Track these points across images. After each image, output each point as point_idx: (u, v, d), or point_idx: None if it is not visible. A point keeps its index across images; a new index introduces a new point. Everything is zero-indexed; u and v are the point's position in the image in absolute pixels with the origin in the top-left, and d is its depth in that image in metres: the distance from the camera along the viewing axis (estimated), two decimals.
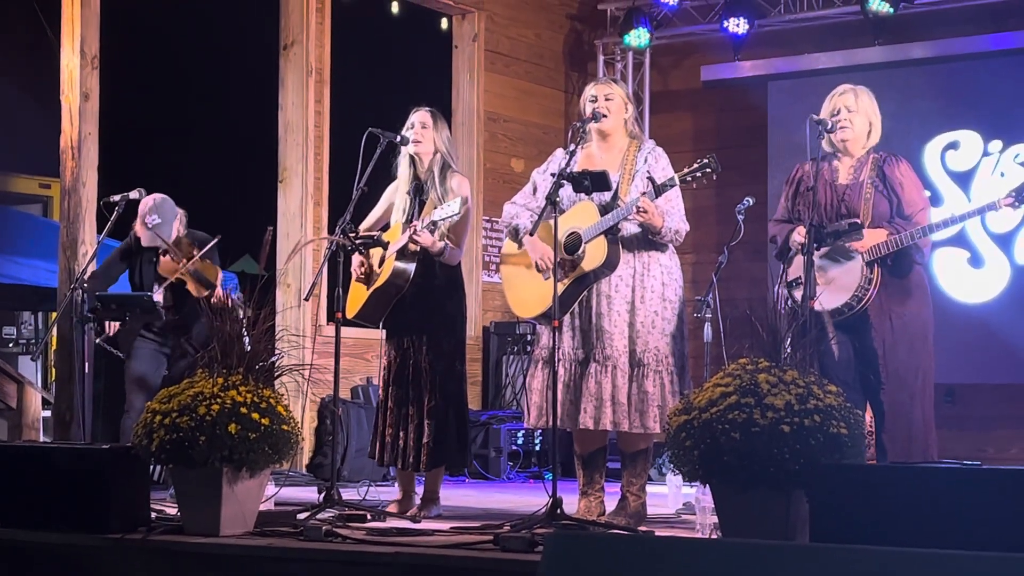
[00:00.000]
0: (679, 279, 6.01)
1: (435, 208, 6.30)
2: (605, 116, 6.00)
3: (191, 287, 7.14)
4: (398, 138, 6.42)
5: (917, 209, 5.84)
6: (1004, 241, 9.51)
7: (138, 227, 7.27)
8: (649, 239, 5.89)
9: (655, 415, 5.79)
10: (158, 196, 7.30)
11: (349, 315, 6.38)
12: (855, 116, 5.89)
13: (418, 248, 6.28)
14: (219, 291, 7.11)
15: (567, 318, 5.91)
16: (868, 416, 6.08)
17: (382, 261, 6.41)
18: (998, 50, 9.56)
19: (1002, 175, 9.55)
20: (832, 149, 5.94)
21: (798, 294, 5.76)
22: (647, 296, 5.88)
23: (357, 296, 6.46)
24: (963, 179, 9.68)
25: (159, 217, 7.21)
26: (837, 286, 5.76)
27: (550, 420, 5.87)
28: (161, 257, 7.28)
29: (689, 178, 5.76)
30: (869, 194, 5.82)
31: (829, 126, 5.84)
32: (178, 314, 7.32)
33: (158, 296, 7.25)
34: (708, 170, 5.72)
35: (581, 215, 5.89)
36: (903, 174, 5.89)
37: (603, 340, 5.86)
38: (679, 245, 6.02)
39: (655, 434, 5.86)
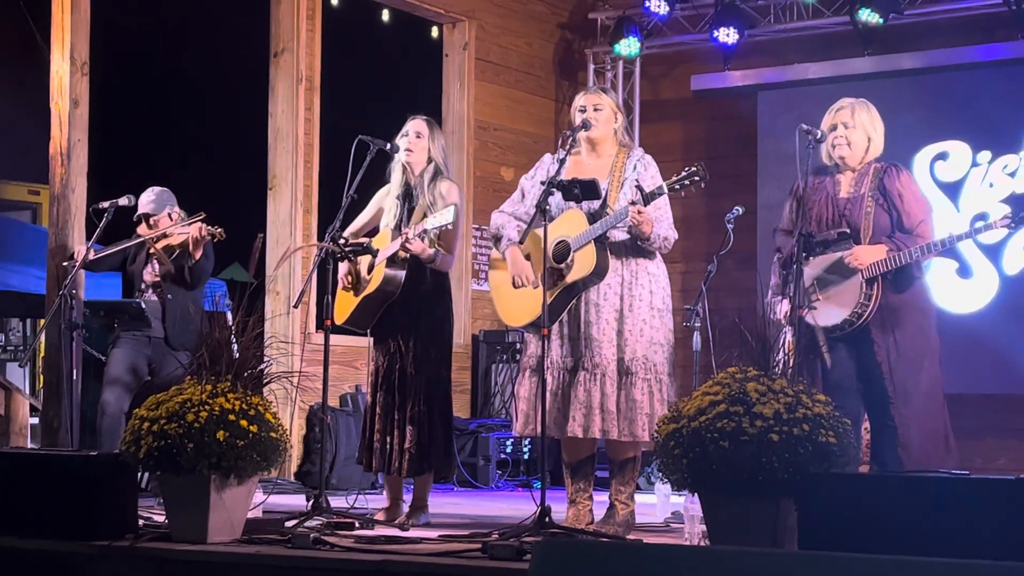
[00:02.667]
0: (667, 287, 6.01)
1: (424, 214, 6.30)
2: (594, 125, 6.00)
3: (176, 242, 7.36)
4: (388, 146, 6.42)
5: (918, 221, 5.83)
6: (992, 252, 9.53)
7: (143, 228, 7.49)
8: (638, 247, 5.90)
9: (643, 423, 5.79)
10: (160, 188, 7.58)
11: (338, 321, 6.37)
12: (852, 132, 5.90)
13: (408, 255, 6.28)
14: (195, 227, 7.29)
15: (555, 326, 5.90)
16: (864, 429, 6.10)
17: (371, 267, 6.40)
18: (987, 61, 9.59)
19: (991, 186, 9.58)
20: (832, 163, 5.96)
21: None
22: (635, 304, 5.89)
23: (345, 303, 6.45)
24: (952, 189, 9.69)
25: (154, 196, 7.49)
26: (837, 302, 5.78)
27: (537, 428, 5.88)
28: (149, 244, 7.44)
29: (677, 186, 5.76)
30: (870, 208, 5.83)
31: (819, 136, 5.85)
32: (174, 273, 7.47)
33: (150, 276, 7.39)
34: (696, 178, 5.72)
35: (569, 223, 5.89)
36: (903, 185, 5.89)
37: (592, 348, 5.86)
38: (667, 253, 6.02)
39: (644, 442, 5.86)
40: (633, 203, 5.75)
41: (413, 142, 6.43)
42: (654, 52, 10.87)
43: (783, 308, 5.86)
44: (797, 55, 10.28)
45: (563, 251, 5.86)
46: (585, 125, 6.00)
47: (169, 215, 7.51)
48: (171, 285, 7.41)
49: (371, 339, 6.55)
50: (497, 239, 6.11)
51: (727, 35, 10.12)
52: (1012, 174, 9.53)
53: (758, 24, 10.31)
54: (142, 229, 7.54)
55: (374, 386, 6.46)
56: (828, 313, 5.76)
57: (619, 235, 5.89)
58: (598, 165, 6.03)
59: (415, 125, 6.48)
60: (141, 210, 7.50)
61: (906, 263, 5.74)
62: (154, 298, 7.43)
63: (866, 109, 5.97)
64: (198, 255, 7.33)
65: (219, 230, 7.31)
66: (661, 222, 5.87)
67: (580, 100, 6.10)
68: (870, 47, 9.90)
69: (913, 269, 5.82)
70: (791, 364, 4.87)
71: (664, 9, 10.32)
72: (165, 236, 7.38)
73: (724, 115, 10.69)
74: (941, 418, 5.86)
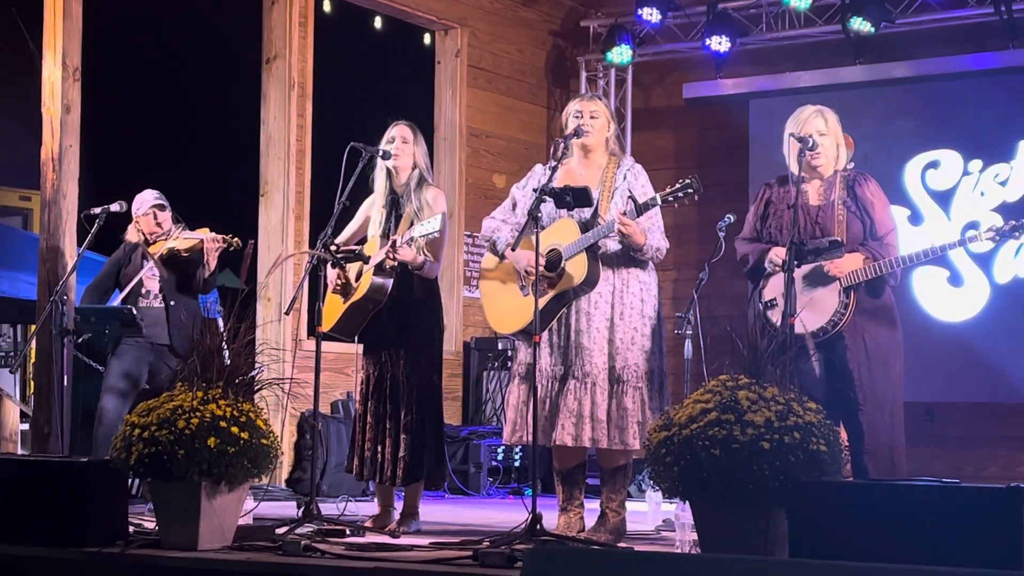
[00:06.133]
0: (657, 295, 6.02)
1: (412, 222, 6.30)
2: (588, 132, 6.00)
3: (182, 246, 7.37)
4: (380, 152, 6.42)
5: (888, 230, 5.87)
6: (983, 260, 9.55)
7: (147, 221, 7.49)
8: (629, 256, 5.90)
9: (634, 431, 5.79)
10: (156, 191, 7.59)
11: (324, 328, 6.35)
12: (826, 139, 5.89)
13: (396, 263, 6.28)
14: (210, 236, 7.30)
15: (544, 334, 5.90)
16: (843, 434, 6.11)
17: (359, 274, 6.40)
18: (978, 70, 9.61)
19: (982, 194, 9.60)
20: (803, 172, 5.95)
21: (772, 314, 5.78)
22: (626, 312, 5.89)
23: (333, 309, 6.44)
24: (943, 198, 9.72)
25: (160, 194, 7.56)
26: (815, 310, 5.78)
27: (524, 436, 5.88)
28: (152, 242, 7.46)
29: (671, 198, 5.76)
30: (842, 215, 5.83)
31: (810, 144, 5.85)
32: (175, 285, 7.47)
33: (152, 282, 7.32)
34: (690, 191, 5.71)
35: (562, 232, 5.89)
36: (873, 194, 5.91)
37: (582, 356, 5.86)
38: (659, 262, 6.03)
39: (634, 450, 5.85)
40: (624, 213, 5.75)
41: (400, 147, 6.44)
42: (646, 60, 10.89)
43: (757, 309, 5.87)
44: (789, 63, 10.30)
45: (555, 259, 5.87)
46: (577, 132, 6.00)
47: (172, 217, 7.55)
48: (174, 291, 7.40)
49: (359, 347, 6.54)
50: (492, 243, 6.11)
51: (719, 43, 10.13)
52: (1003, 183, 9.55)
53: (750, 32, 10.33)
54: (133, 233, 7.50)
55: (364, 395, 6.45)
56: (806, 320, 5.76)
57: (611, 245, 5.90)
58: (589, 174, 6.03)
59: (400, 131, 6.48)
60: (151, 204, 7.50)
61: (883, 273, 5.76)
62: (157, 304, 7.38)
63: (834, 116, 5.96)
64: (214, 264, 7.35)
65: (236, 239, 7.31)
66: (653, 232, 5.88)
67: (575, 106, 6.10)
68: (862, 56, 9.93)
69: (887, 278, 5.83)
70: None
71: (656, 17, 10.33)
72: (172, 240, 7.36)
73: (716, 123, 10.71)
74: (901, 427, 5.87)
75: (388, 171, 6.47)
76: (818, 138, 5.86)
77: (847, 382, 5.78)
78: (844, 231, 5.81)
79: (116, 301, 7.54)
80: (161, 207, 7.52)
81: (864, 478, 5.67)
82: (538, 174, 6.11)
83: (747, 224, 6.13)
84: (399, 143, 6.44)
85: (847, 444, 6.08)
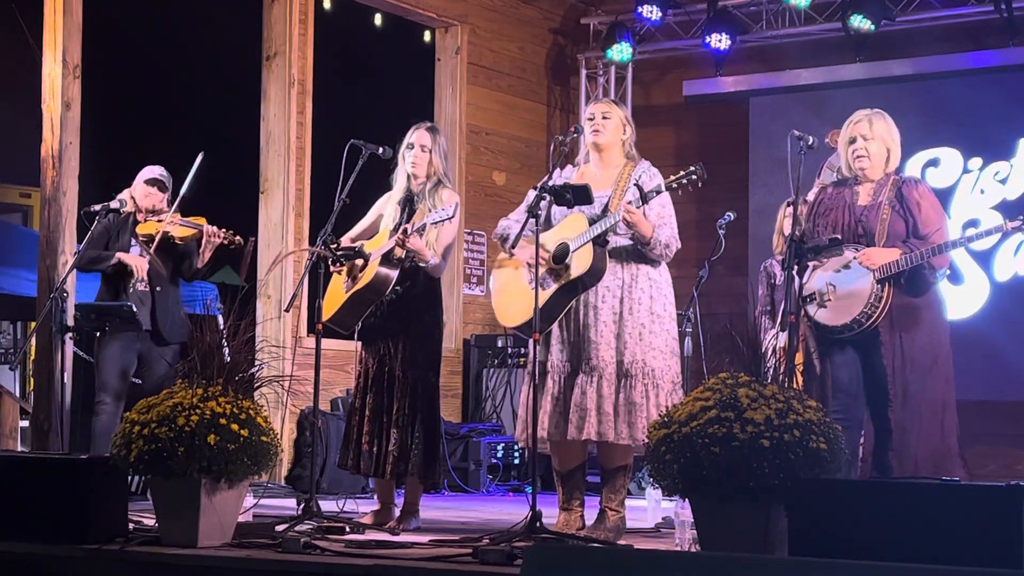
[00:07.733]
0: (669, 294, 6.01)
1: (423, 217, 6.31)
2: (599, 132, 6.01)
3: (178, 234, 7.28)
4: (380, 150, 6.42)
5: (934, 229, 5.87)
6: (983, 258, 9.55)
7: (143, 190, 7.42)
8: (639, 252, 5.91)
9: (643, 427, 5.76)
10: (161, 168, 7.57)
11: (323, 318, 6.32)
12: (870, 144, 5.94)
13: (403, 254, 6.28)
14: (210, 229, 7.25)
15: (556, 331, 5.91)
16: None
17: (364, 266, 6.39)
18: (978, 68, 9.61)
19: (982, 192, 9.60)
20: (851, 175, 5.99)
21: (811, 308, 5.80)
22: (635, 308, 5.89)
23: (332, 300, 6.43)
24: (943, 196, 9.68)
25: (166, 173, 7.53)
26: (847, 302, 5.80)
27: (538, 434, 5.88)
28: (141, 221, 7.37)
29: (675, 184, 5.79)
30: (886, 214, 5.86)
31: (811, 142, 5.88)
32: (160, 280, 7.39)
33: (142, 262, 7.28)
34: (694, 177, 5.74)
35: (571, 226, 5.91)
36: (921, 195, 5.93)
37: (589, 350, 5.86)
38: (669, 261, 6.02)
39: (640, 447, 5.84)
40: (630, 202, 5.77)
41: (419, 156, 6.44)
42: (646, 57, 10.89)
43: (770, 335, 5.88)
44: (789, 61, 10.30)
45: (563, 252, 5.88)
46: (577, 129, 6.03)
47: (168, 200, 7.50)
48: (161, 277, 7.36)
49: (359, 344, 6.55)
50: (504, 239, 6.11)
51: (719, 41, 10.13)
52: (1003, 181, 9.55)
53: (750, 30, 10.33)
54: (127, 198, 7.41)
55: (362, 388, 6.45)
56: (838, 313, 5.79)
57: (622, 240, 5.91)
58: (605, 176, 6.03)
59: (419, 137, 6.47)
60: (147, 177, 7.41)
61: (918, 264, 5.76)
62: (141, 287, 7.31)
63: (883, 120, 6.02)
64: (208, 257, 7.32)
65: (238, 237, 7.28)
66: (663, 228, 5.89)
67: (590, 109, 6.15)
68: (862, 53, 9.93)
69: (927, 275, 5.83)
70: (782, 368, 4.86)
71: (656, 14, 10.33)
72: (167, 224, 7.29)
73: (716, 120, 10.70)
74: (944, 425, 5.82)
75: (408, 175, 6.48)
76: (862, 142, 5.94)
77: (879, 380, 5.79)
78: (886, 230, 5.83)
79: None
80: (163, 186, 7.43)
81: (886, 476, 5.65)
82: (555, 176, 6.12)
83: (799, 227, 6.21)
84: (417, 151, 6.45)
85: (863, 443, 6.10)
